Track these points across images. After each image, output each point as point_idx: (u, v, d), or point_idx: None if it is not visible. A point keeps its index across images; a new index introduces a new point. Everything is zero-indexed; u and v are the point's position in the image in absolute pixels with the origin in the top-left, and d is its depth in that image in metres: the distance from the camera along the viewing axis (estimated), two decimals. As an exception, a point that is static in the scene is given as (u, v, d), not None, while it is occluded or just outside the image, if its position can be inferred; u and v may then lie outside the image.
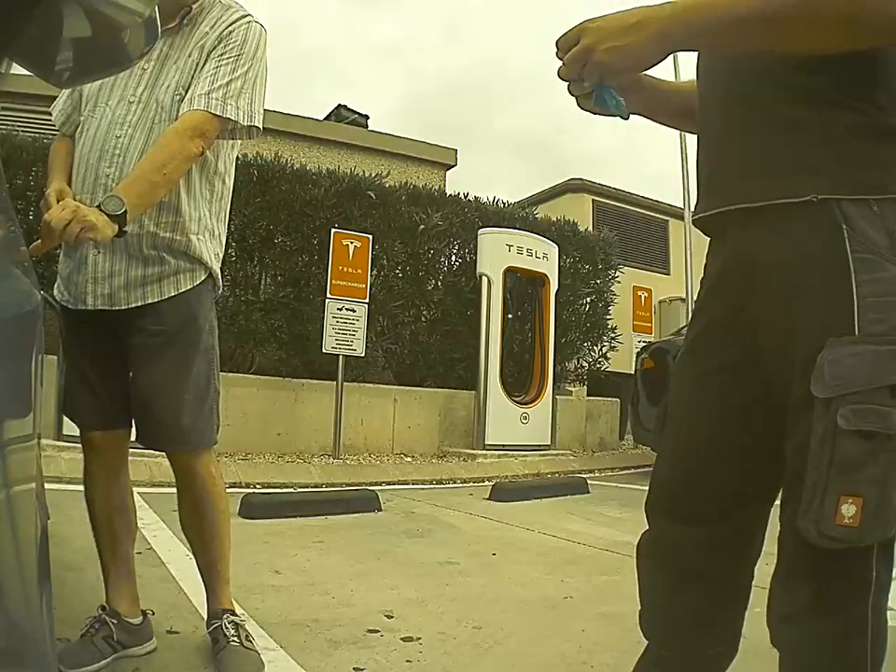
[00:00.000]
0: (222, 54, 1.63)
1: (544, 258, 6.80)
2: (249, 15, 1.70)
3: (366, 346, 5.76)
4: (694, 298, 1.43)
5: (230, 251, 5.64)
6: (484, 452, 6.15)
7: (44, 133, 6.16)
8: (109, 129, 1.60)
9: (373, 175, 6.66)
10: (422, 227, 6.65)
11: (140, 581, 2.23)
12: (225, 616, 1.73)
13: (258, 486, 4.48)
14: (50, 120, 1.77)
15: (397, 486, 4.96)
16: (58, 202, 1.48)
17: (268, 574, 2.41)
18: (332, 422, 5.63)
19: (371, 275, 5.89)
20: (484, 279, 6.44)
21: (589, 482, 5.22)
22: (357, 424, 6.06)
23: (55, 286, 1.72)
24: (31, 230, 5.54)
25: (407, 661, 1.81)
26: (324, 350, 5.57)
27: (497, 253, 6.52)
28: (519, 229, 6.93)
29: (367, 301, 5.76)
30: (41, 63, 0.80)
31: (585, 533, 3.52)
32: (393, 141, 9.89)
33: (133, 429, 1.75)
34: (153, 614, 1.82)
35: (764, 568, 1.47)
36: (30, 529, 0.59)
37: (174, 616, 1.93)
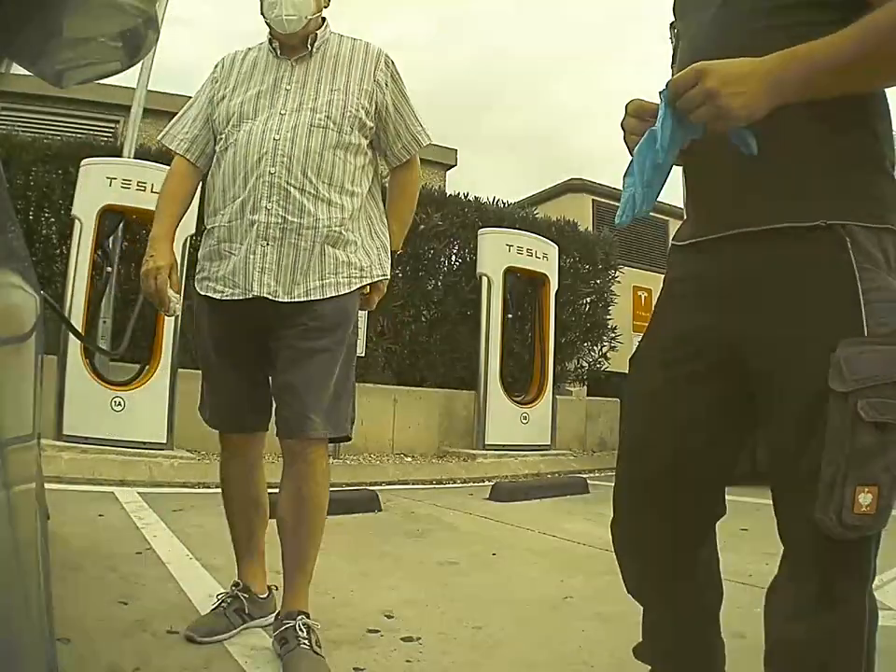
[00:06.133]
0: (397, 90, 1.85)
1: (544, 258, 6.80)
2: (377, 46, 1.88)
3: (366, 346, 5.75)
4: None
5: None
6: (484, 452, 6.14)
7: (44, 133, 6.17)
8: (265, 135, 1.73)
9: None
10: (422, 227, 6.65)
11: (139, 580, 2.24)
12: (299, 617, 1.71)
13: (258, 486, 4.47)
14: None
15: (397, 486, 4.96)
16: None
17: (268, 574, 2.41)
18: (332, 422, 5.61)
19: (370, 275, 5.87)
20: (484, 279, 6.43)
21: (589, 482, 5.21)
22: (357, 424, 6.03)
23: (205, 287, 1.80)
24: (31, 230, 5.55)
25: (407, 661, 1.80)
26: (324, 350, 5.55)
27: (497, 253, 6.51)
28: (519, 229, 6.91)
29: (367, 301, 5.74)
30: (41, 63, 0.80)
31: (585, 533, 3.52)
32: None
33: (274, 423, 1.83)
34: (277, 589, 1.91)
35: (764, 569, 1.47)
36: (30, 529, 0.59)
37: (174, 616, 1.93)
